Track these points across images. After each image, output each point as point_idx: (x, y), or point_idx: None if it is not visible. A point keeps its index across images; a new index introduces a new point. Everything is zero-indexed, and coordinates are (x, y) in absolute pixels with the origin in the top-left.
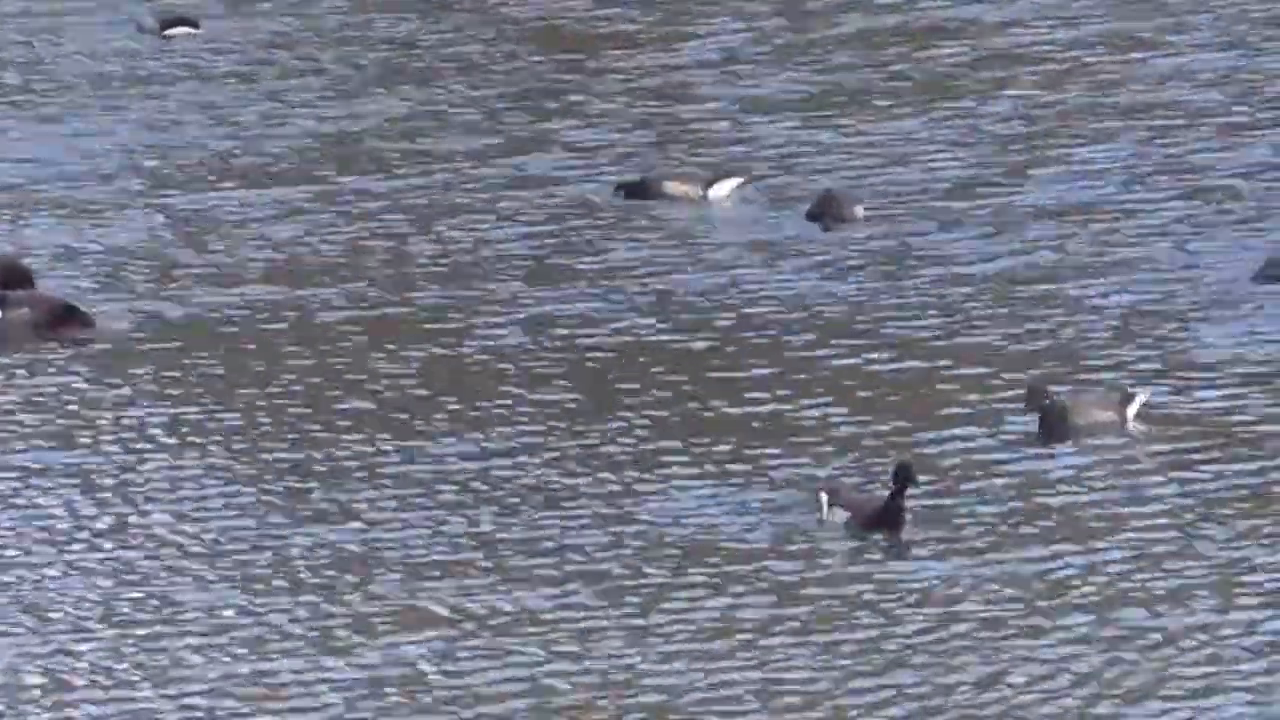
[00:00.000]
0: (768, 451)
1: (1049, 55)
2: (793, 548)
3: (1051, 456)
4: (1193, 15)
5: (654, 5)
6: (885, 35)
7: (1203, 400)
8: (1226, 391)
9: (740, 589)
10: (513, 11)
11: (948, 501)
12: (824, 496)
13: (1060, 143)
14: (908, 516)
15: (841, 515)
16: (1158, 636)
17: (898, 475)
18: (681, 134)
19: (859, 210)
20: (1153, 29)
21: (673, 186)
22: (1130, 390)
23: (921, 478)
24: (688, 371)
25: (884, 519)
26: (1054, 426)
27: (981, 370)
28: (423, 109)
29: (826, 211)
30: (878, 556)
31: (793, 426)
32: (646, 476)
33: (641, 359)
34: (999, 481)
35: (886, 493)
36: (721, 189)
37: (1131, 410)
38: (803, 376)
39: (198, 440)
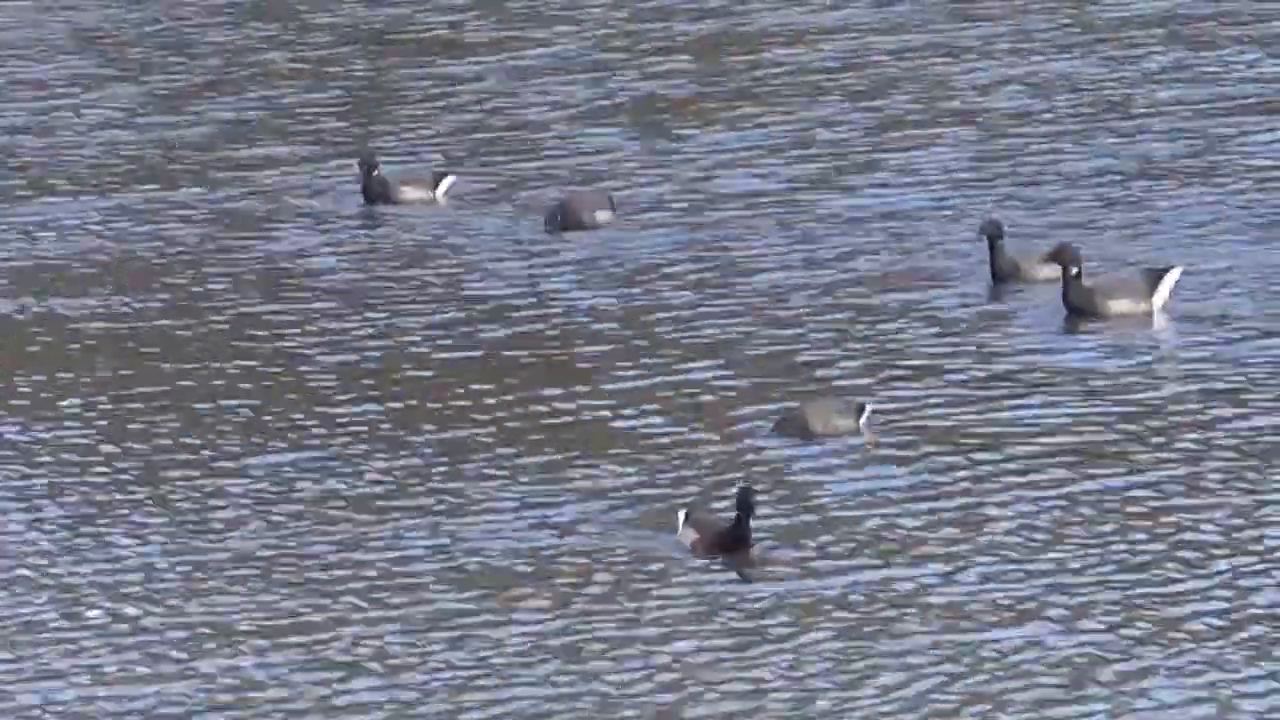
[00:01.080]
0: (582, 463)
1: (877, 62)
2: (612, 561)
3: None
4: (1016, 22)
5: (491, 10)
6: (719, 42)
7: (1022, 409)
8: (1050, 400)
9: (548, 603)
10: (338, 19)
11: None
12: (681, 515)
13: (889, 148)
14: (753, 542)
15: (689, 536)
16: (997, 650)
17: (741, 501)
18: (501, 142)
19: (601, 216)
20: (978, 36)
21: (407, 191)
22: (860, 402)
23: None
24: (494, 382)
25: (728, 543)
26: (787, 426)
27: (747, 381)
28: (243, 116)
29: (565, 218)
30: (707, 576)
31: (605, 437)
32: (456, 489)
33: (450, 372)
34: (820, 495)
35: (732, 517)
36: (442, 187)
37: (862, 421)
38: (611, 386)
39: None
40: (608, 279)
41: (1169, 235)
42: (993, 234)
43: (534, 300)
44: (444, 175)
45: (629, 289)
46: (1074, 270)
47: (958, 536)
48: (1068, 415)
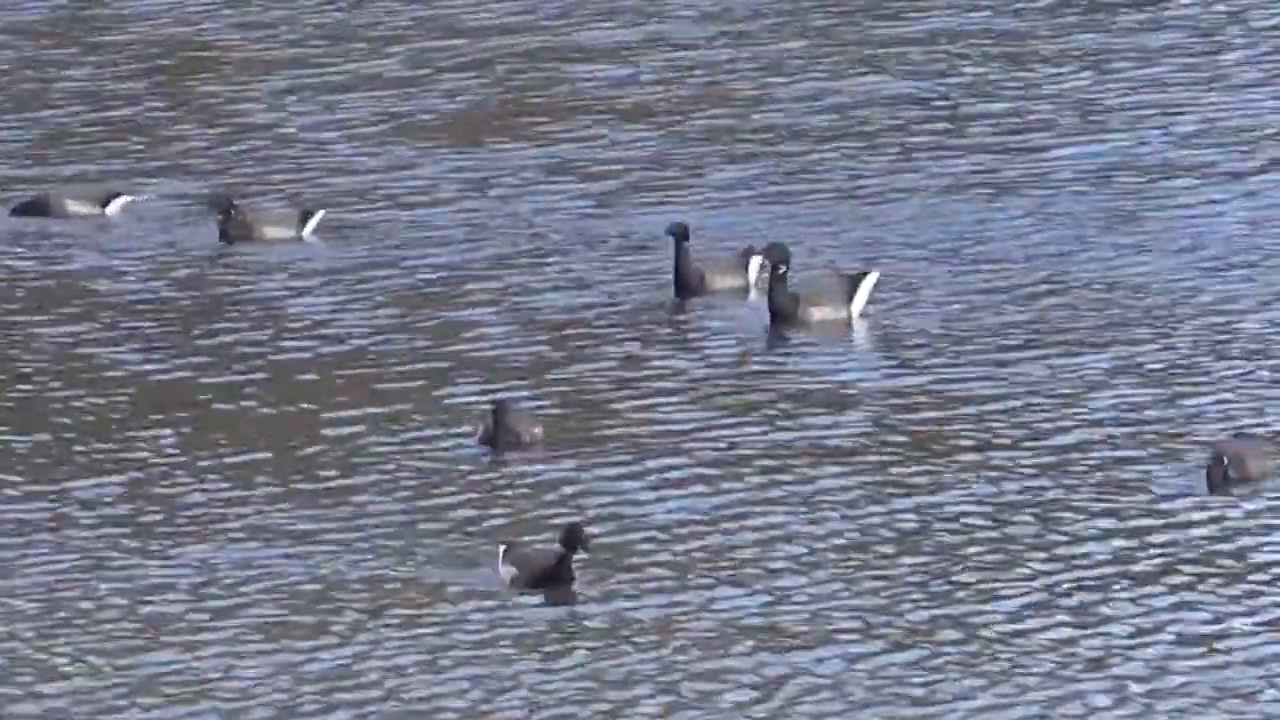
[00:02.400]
0: (386, 491)
1: (689, 78)
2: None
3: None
4: (828, 39)
5: (290, 28)
6: (516, 60)
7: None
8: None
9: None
10: (118, 37)
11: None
12: (501, 550)
13: (700, 164)
14: (574, 578)
15: (509, 572)
16: (819, 671)
17: (568, 538)
18: (264, 160)
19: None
20: (795, 51)
21: (70, 205)
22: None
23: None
24: (291, 404)
25: (548, 578)
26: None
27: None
28: (24, 134)
29: (231, 231)
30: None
31: (412, 463)
32: (250, 513)
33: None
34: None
35: (555, 552)
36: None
37: None
38: (420, 415)
39: None
40: (394, 299)
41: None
42: (679, 234)
43: (324, 321)
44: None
45: (422, 310)
46: (781, 270)
47: (762, 555)
48: (853, 432)
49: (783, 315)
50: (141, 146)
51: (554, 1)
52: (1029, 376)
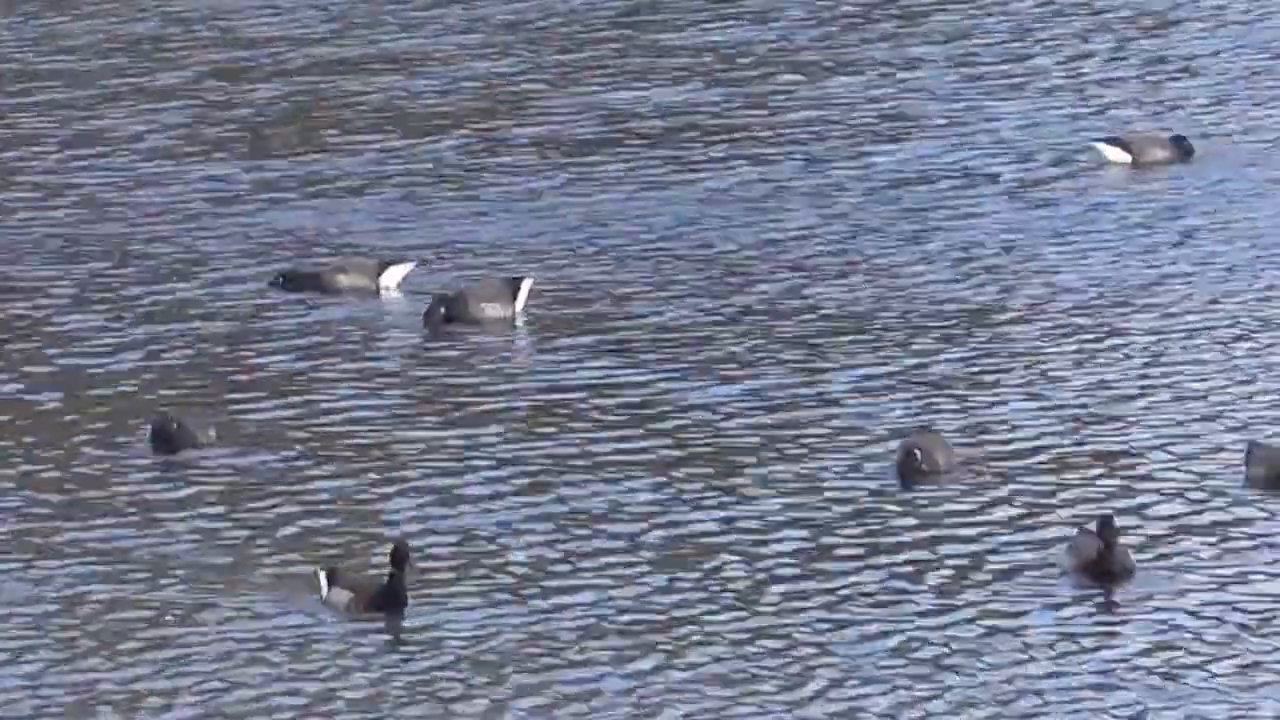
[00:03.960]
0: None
1: (479, 88)
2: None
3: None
4: (617, 49)
5: (77, 40)
6: (305, 71)
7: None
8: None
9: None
10: None
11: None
12: (323, 576)
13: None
14: (408, 597)
15: (343, 596)
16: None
17: (395, 556)
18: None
19: None
20: (583, 60)
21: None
22: None
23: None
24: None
25: (385, 600)
26: None
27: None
28: None
29: None
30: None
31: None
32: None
33: None
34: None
35: (386, 574)
36: None
37: None
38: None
39: None
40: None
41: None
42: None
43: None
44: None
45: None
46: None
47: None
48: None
49: (454, 319)
50: None
51: (334, 18)
52: (774, 384)
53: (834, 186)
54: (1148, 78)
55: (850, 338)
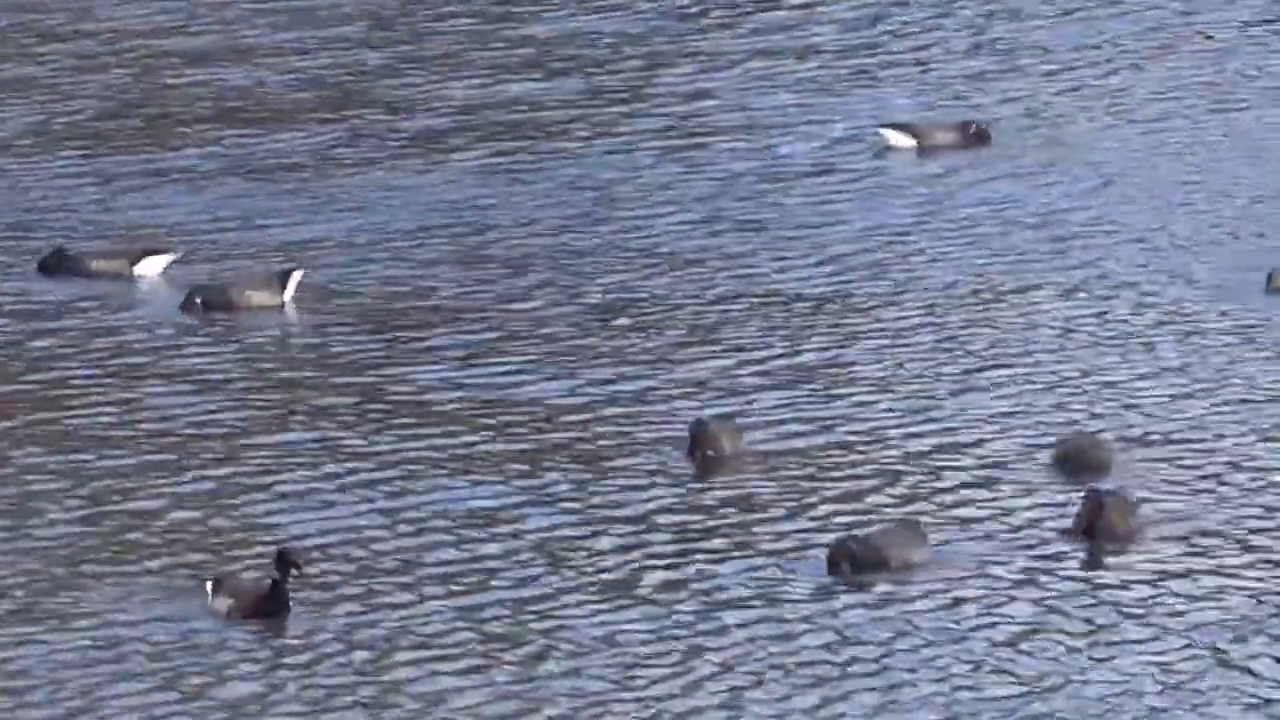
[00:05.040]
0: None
1: (340, 80)
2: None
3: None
4: (445, 46)
5: None
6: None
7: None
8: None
9: None
10: None
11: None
12: (209, 585)
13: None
14: (291, 603)
15: (224, 604)
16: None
17: (280, 561)
18: None
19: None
20: (448, 52)
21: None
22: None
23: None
24: None
25: (267, 606)
26: None
27: None
28: None
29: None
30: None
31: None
32: None
33: None
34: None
35: (269, 580)
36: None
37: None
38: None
39: None
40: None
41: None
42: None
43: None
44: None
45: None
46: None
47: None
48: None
49: (213, 306)
50: None
51: (182, 9)
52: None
53: (686, 178)
54: (997, 66)
55: (702, 329)
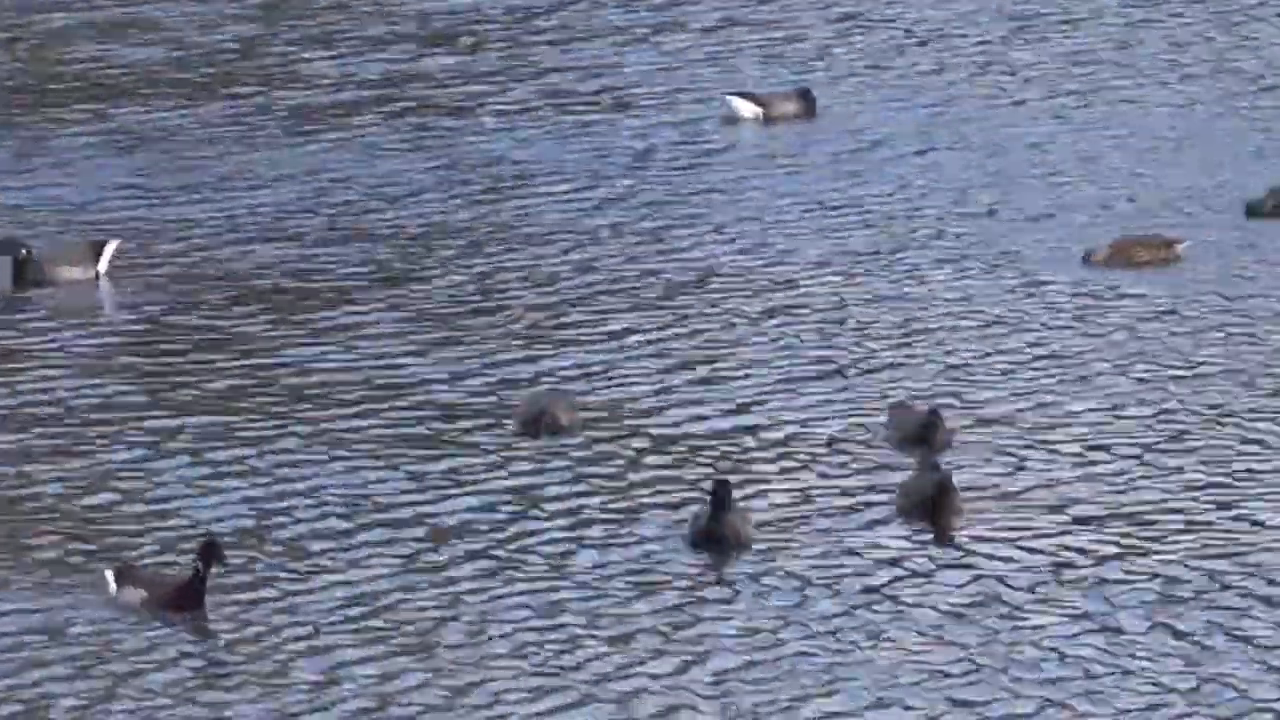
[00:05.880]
0: None
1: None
2: None
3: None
4: (340, 24)
5: None
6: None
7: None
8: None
9: None
10: None
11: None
12: (109, 574)
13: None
14: (206, 595)
15: (135, 595)
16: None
17: (203, 553)
18: None
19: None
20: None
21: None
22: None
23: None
24: None
25: (183, 598)
26: None
27: None
28: None
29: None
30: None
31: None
32: None
33: None
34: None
35: (187, 572)
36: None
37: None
38: None
39: None
40: None
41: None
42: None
43: None
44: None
45: None
46: (23, 251)
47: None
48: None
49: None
50: None
51: None
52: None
53: (563, 157)
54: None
55: (578, 309)
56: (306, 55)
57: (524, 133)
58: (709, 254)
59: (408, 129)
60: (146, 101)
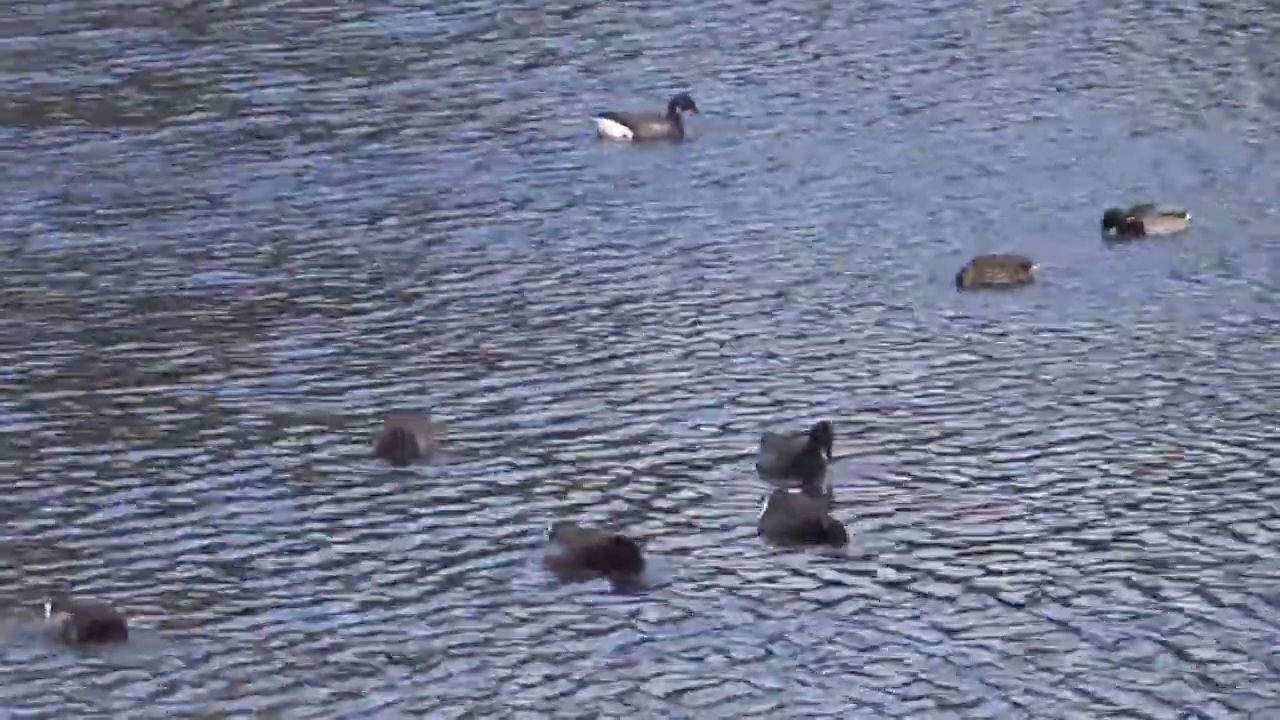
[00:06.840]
0: None
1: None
2: None
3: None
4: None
5: None
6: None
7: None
8: None
9: None
10: None
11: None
12: (48, 605)
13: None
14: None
15: (59, 618)
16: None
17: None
18: None
19: None
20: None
21: None
22: None
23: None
24: None
25: (105, 629)
26: None
27: None
28: None
29: None
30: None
31: None
32: None
33: None
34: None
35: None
36: None
37: None
38: None
39: None
40: None
41: None
42: None
43: None
44: None
45: None
46: None
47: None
48: None
49: None
50: None
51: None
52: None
53: (504, 184)
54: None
55: (507, 329)
56: (244, 82)
57: (437, 160)
58: (602, 279)
59: (328, 155)
60: (79, 128)
